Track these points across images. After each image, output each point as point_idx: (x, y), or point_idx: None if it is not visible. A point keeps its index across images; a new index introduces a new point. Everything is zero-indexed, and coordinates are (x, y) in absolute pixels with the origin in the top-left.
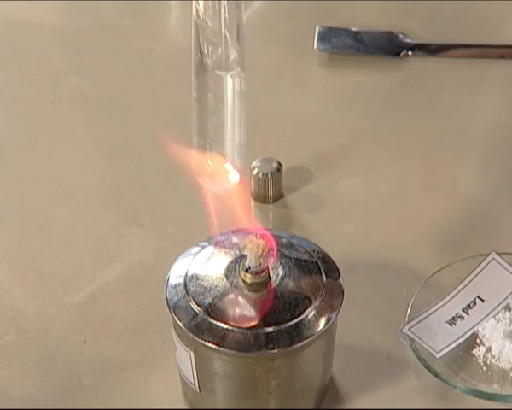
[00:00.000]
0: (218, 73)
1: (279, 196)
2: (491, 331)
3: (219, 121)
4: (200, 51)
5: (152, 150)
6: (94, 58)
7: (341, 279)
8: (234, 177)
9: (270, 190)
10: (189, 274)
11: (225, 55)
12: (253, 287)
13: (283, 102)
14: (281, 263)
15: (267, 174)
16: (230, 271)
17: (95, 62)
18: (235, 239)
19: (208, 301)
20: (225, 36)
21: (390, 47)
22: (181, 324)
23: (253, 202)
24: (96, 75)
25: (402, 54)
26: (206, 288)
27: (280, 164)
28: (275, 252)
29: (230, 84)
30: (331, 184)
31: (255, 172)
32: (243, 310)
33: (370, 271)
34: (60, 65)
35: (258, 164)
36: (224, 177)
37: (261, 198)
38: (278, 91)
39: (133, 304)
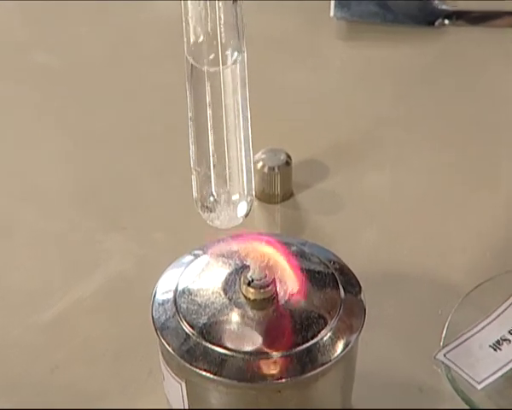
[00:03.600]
0: (213, 69)
1: (288, 194)
2: None
3: (221, 141)
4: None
5: (136, 141)
6: (65, 29)
7: (363, 295)
8: (242, 209)
9: (278, 187)
10: (180, 288)
11: (222, 46)
12: (257, 304)
13: (294, 82)
14: (290, 275)
15: (274, 168)
16: (229, 284)
17: (66, 34)
18: (235, 246)
19: (203, 320)
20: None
21: (423, 15)
22: (170, 348)
23: (257, 201)
24: (68, 50)
25: (437, 23)
26: (200, 305)
27: (289, 156)
28: (283, 262)
29: (230, 84)
30: (351, 181)
31: (259, 165)
32: (245, 332)
33: (398, 285)
34: (24, 37)
35: (263, 156)
36: (232, 209)
37: (267, 197)
38: (288, 68)
39: (112, 325)
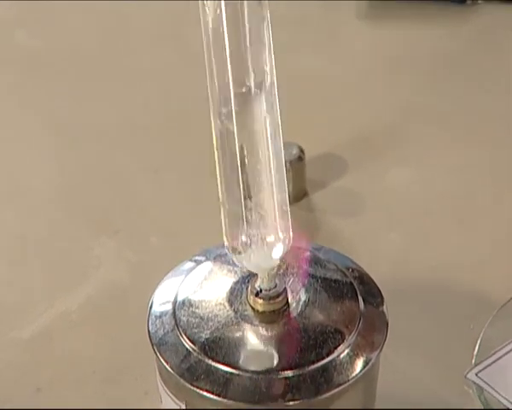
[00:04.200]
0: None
1: (301, 193)
2: None
3: (255, 174)
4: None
5: (129, 135)
6: (48, 7)
7: (385, 307)
8: (278, 251)
9: (289, 185)
10: (180, 299)
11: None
12: (266, 317)
13: (309, 66)
14: (303, 284)
15: (285, 164)
16: (235, 295)
17: (49, 12)
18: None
19: (205, 335)
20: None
21: None
22: (168, 366)
23: None
24: (52, 29)
25: (469, 0)
26: (202, 318)
27: (302, 151)
28: (296, 269)
29: (259, 112)
30: (372, 179)
31: None
32: (252, 348)
33: (424, 296)
34: (3, 15)
35: None
36: (266, 251)
37: None
38: (302, 51)
39: (103, 340)
